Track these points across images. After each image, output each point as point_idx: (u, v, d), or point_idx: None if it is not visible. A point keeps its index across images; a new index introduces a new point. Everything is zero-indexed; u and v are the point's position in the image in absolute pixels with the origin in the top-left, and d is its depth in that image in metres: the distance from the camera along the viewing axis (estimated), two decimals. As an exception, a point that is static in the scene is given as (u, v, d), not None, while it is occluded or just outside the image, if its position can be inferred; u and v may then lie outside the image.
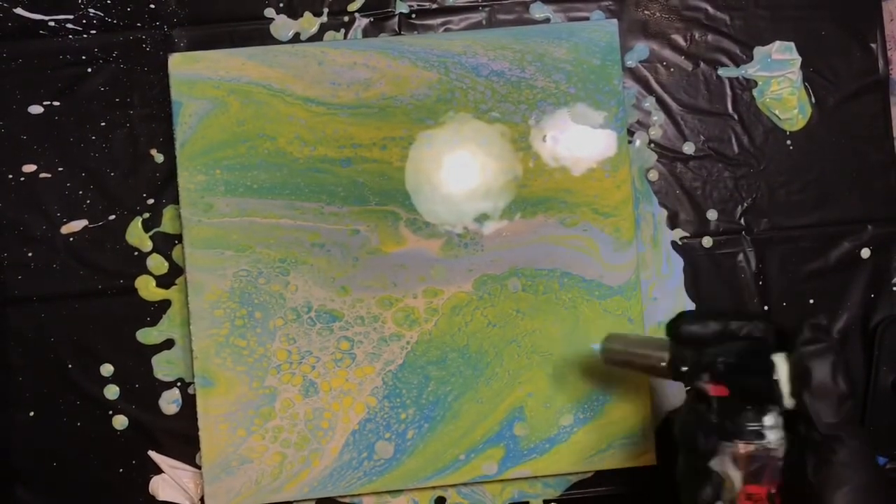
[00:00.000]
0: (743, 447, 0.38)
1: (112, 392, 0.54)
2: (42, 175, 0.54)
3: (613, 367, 0.47)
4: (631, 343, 0.45)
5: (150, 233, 0.54)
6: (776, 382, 0.37)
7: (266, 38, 0.55)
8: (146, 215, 0.54)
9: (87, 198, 0.54)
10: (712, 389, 0.39)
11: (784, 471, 0.38)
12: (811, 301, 0.55)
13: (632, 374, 0.52)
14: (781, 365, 0.38)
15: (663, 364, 0.42)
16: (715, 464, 0.38)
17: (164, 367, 0.54)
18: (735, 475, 0.38)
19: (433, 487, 0.53)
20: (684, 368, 0.41)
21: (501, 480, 0.53)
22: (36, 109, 0.54)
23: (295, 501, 0.53)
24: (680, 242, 0.55)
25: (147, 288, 0.54)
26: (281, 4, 0.55)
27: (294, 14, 0.55)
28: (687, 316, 0.42)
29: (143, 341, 0.54)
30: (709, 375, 0.40)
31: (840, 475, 0.36)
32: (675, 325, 0.42)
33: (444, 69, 0.53)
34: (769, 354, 0.38)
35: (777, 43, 0.56)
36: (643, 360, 0.43)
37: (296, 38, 0.55)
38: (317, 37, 0.55)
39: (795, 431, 0.38)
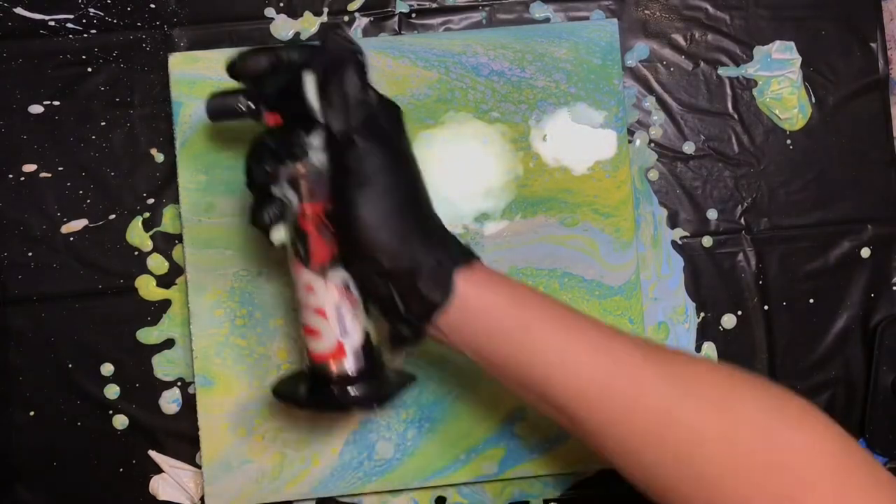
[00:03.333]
0: (294, 168, 0.39)
1: (112, 392, 0.54)
2: (42, 175, 0.54)
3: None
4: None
5: (151, 232, 0.54)
6: (306, 96, 0.38)
7: (266, 38, 0.55)
8: (146, 215, 0.54)
9: (87, 197, 0.54)
10: (268, 119, 0.41)
11: (330, 179, 0.39)
12: (811, 301, 0.55)
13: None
14: (308, 81, 0.38)
15: (240, 106, 0.42)
16: (275, 189, 0.39)
17: (164, 366, 0.54)
18: (292, 196, 0.39)
19: (433, 487, 0.53)
20: (251, 106, 0.42)
21: (502, 480, 0.53)
22: (36, 109, 0.54)
23: (295, 501, 0.53)
24: (680, 242, 0.55)
25: (147, 288, 0.54)
26: (281, 4, 0.55)
27: (294, 14, 0.55)
28: (241, 55, 0.42)
29: (143, 341, 0.54)
30: (265, 106, 0.41)
31: (356, 179, 0.38)
32: (233, 66, 0.42)
33: (444, 69, 0.53)
34: (300, 72, 0.39)
35: (777, 43, 0.56)
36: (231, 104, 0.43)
37: (296, 38, 0.55)
38: (317, 37, 0.55)
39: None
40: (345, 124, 0.38)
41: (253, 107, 0.42)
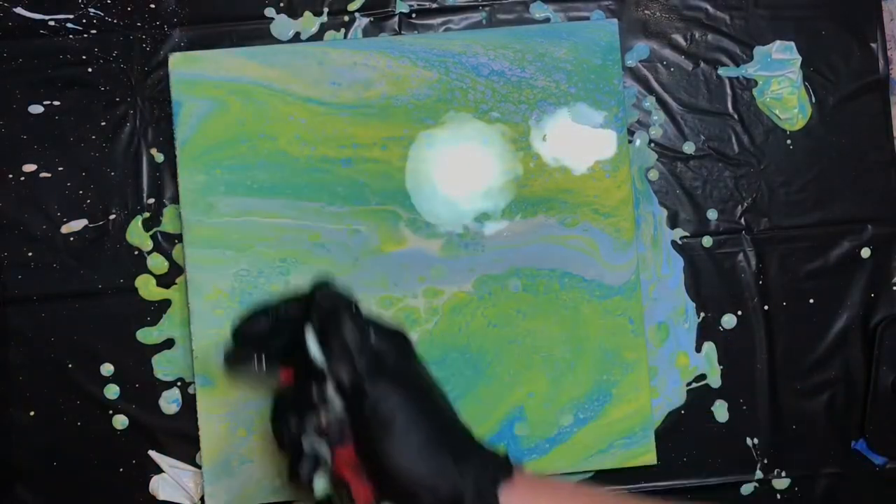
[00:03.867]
0: (317, 420, 0.39)
1: (112, 392, 0.54)
2: (42, 175, 0.54)
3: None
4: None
5: (151, 232, 0.54)
6: (310, 350, 0.38)
7: (266, 38, 0.55)
8: (146, 215, 0.54)
9: (87, 197, 0.54)
10: (283, 377, 0.41)
11: (351, 426, 0.39)
12: (811, 301, 0.55)
13: (633, 372, 0.52)
14: (309, 336, 0.39)
15: (256, 368, 0.43)
16: (305, 443, 0.39)
17: (164, 366, 0.54)
18: (322, 447, 0.39)
19: (433, 487, 0.53)
20: (263, 367, 0.42)
21: (501, 480, 0.53)
22: (36, 109, 0.54)
23: (295, 501, 0.53)
24: (680, 242, 0.55)
25: (147, 287, 0.54)
26: (281, 4, 0.55)
27: (294, 14, 0.55)
28: (242, 320, 0.42)
29: (143, 341, 0.54)
30: (275, 363, 0.41)
31: (376, 424, 0.37)
32: (237, 332, 0.42)
33: (444, 69, 0.53)
34: (302, 328, 0.39)
35: (777, 43, 0.56)
36: (246, 368, 0.43)
37: (296, 38, 0.55)
38: (317, 36, 0.55)
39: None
40: (351, 375, 0.38)
41: (265, 368, 0.42)
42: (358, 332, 0.39)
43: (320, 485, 0.40)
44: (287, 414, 0.39)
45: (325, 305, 0.40)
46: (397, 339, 0.41)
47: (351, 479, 0.39)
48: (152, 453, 0.54)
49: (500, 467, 0.39)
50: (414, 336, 0.51)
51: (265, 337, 0.42)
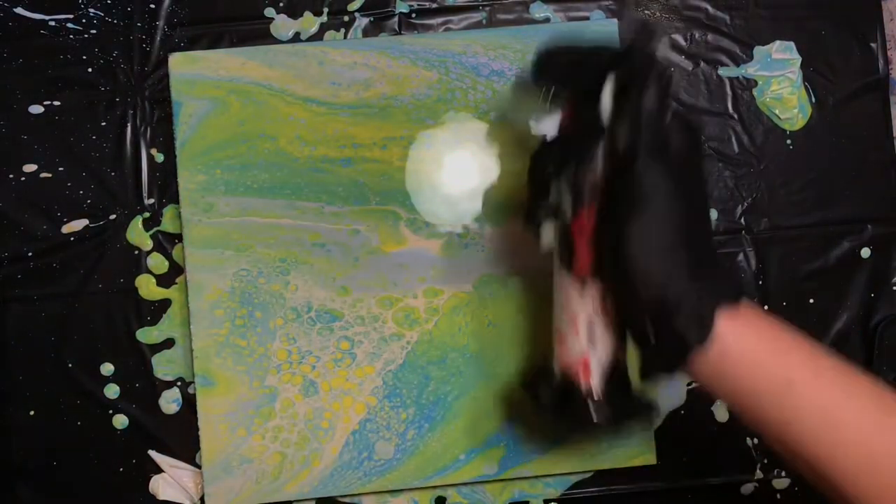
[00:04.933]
0: (576, 173, 0.37)
1: (112, 391, 0.54)
2: (42, 175, 0.54)
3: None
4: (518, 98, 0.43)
5: (151, 232, 0.54)
6: (602, 99, 0.36)
7: (266, 38, 0.55)
8: (146, 215, 0.54)
9: (88, 197, 0.54)
10: (562, 117, 0.39)
11: (604, 192, 0.37)
12: (811, 301, 0.55)
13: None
14: (608, 86, 0.36)
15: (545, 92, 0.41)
16: (553, 188, 0.38)
17: (164, 366, 0.54)
18: (567, 200, 0.38)
19: (433, 487, 0.53)
20: (542, 103, 0.40)
21: (502, 480, 0.53)
22: (36, 109, 0.54)
23: (295, 501, 0.53)
24: (680, 242, 0.55)
25: (147, 287, 0.54)
26: (281, 4, 0.55)
27: (294, 14, 0.55)
28: (548, 49, 0.40)
29: (143, 341, 0.54)
30: (562, 101, 0.39)
31: (631, 201, 0.35)
32: (539, 60, 0.40)
33: (444, 69, 0.53)
34: (605, 75, 0.37)
35: (777, 43, 0.56)
36: (522, 111, 0.42)
37: (296, 38, 0.55)
38: (317, 37, 0.55)
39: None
40: (630, 141, 0.35)
41: (549, 104, 0.40)
42: (657, 105, 0.36)
43: (547, 232, 0.39)
44: (549, 156, 0.38)
45: (638, 65, 0.36)
46: (691, 133, 0.37)
47: (578, 241, 0.37)
48: (152, 453, 0.54)
49: (730, 291, 0.36)
50: (414, 335, 0.51)
51: (564, 72, 0.39)
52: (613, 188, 0.36)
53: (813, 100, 0.56)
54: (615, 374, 0.40)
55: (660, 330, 0.35)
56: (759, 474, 0.54)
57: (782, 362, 0.35)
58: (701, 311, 0.35)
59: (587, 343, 0.39)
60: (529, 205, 0.39)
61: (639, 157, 0.35)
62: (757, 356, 0.35)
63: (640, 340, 0.36)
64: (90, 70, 0.55)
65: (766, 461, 0.54)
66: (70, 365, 0.54)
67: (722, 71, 0.56)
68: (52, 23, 0.55)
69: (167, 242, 0.54)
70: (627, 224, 0.35)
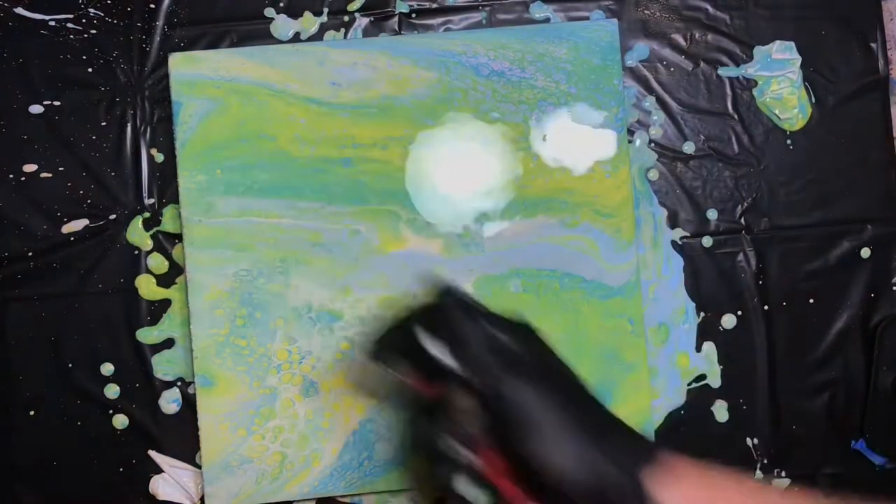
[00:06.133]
0: (454, 425, 0.38)
1: (112, 391, 0.54)
2: (42, 175, 0.54)
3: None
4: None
5: (151, 232, 0.54)
6: (439, 362, 0.38)
7: (266, 38, 0.55)
8: (146, 215, 0.54)
9: (88, 197, 0.54)
10: (415, 384, 0.40)
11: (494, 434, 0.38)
12: (811, 301, 0.55)
13: (633, 372, 0.52)
14: (436, 345, 0.38)
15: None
16: (443, 446, 0.38)
17: (164, 366, 0.54)
18: (463, 452, 0.38)
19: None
20: (389, 379, 0.41)
21: (501, 480, 0.53)
22: (36, 109, 0.54)
23: (295, 501, 0.53)
24: (680, 242, 0.55)
25: (147, 287, 0.54)
26: (281, 4, 0.55)
27: (294, 14, 0.55)
28: (376, 341, 0.42)
29: (143, 341, 0.54)
30: (406, 376, 0.40)
31: (517, 424, 0.36)
32: (373, 353, 0.42)
33: (444, 69, 0.53)
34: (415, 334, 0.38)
35: (777, 43, 0.56)
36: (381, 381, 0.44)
37: (296, 38, 0.55)
38: (317, 36, 0.55)
39: None
40: (481, 378, 0.37)
41: (397, 377, 0.41)
42: (483, 335, 0.38)
43: (461, 485, 0.39)
44: (422, 421, 0.39)
45: (447, 313, 0.39)
46: (523, 332, 0.40)
47: (497, 481, 0.38)
48: (152, 453, 0.54)
49: (642, 449, 0.37)
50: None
51: (398, 350, 0.41)
52: (495, 422, 0.37)
53: (813, 100, 0.56)
54: None
55: None
56: (759, 474, 0.54)
57: (722, 498, 0.36)
58: (624, 479, 0.36)
59: None
60: (431, 471, 0.39)
61: (486, 392, 0.37)
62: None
63: None
64: (90, 70, 0.55)
65: (765, 461, 0.54)
66: (70, 365, 0.54)
67: (722, 71, 0.56)
68: (52, 23, 0.55)
69: (167, 242, 0.54)
70: (523, 443, 0.36)
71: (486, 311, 0.39)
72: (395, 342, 0.41)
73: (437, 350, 0.38)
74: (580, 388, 0.40)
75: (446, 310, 0.39)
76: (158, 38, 0.55)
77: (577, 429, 0.37)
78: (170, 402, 0.54)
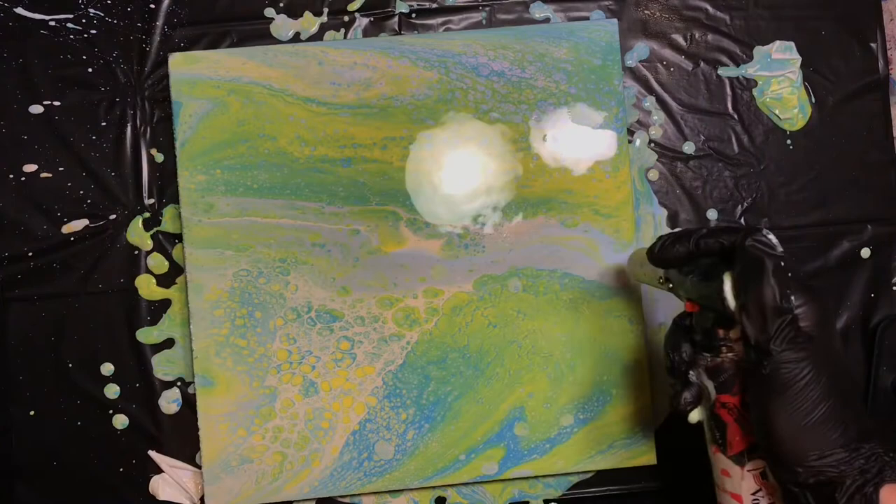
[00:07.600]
0: (711, 359, 0.39)
1: (112, 391, 0.54)
2: (42, 175, 0.54)
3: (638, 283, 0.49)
4: (643, 262, 0.45)
5: (151, 232, 0.54)
6: (725, 299, 0.37)
7: (266, 38, 0.55)
8: (146, 215, 0.54)
9: (88, 197, 0.54)
10: (687, 306, 0.41)
11: (744, 375, 0.38)
12: (811, 301, 0.55)
13: (633, 372, 0.52)
14: (727, 283, 0.37)
15: (662, 281, 0.43)
16: (693, 375, 0.40)
17: (164, 366, 0.54)
18: (709, 385, 0.40)
19: (433, 487, 0.53)
20: (670, 286, 0.42)
21: (502, 480, 0.53)
22: (36, 109, 0.54)
23: (295, 501, 0.53)
24: (680, 242, 0.55)
25: (147, 287, 0.54)
26: (281, 4, 0.55)
27: (294, 14, 0.55)
28: (662, 243, 0.41)
29: (143, 341, 0.54)
30: (684, 293, 0.41)
31: (771, 388, 0.36)
32: (651, 252, 0.42)
33: (444, 69, 0.53)
34: (723, 271, 0.38)
35: (777, 43, 0.56)
36: (650, 277, 0.44)
37: (296, 38, 0.55)
38: (317, 37, 0.55)
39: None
40: (761, 334, 0.36)
41: (669, 287, 0.42)
42: (778, 295, 0.36)
43: (696, 415, 0.40)
44: (683, 342, 0.40)
45: (751, 259, 0.37)
46: (816, 305, 0.37)
47: (729, 422, 0.39)
48: (152, 453, 0.54)
49: (891, 462, 0.36)
50: (414, 335, 0.51)
51: (680, 262, 0.41)
52: (753, 377, 0.37)
53: (813, 100, 0.56)
54: None
55: None
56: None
57: None
58: (864, 487, 0.35)
59: None
60: (673, 392, 0.40)
61: (773, 349, 0.36)
62: None
63: None
64: (90, 70, 0.55)
65: (766, 461, 0.54)
66: (70, 365, 0.54)
67: (722, 71, 0.56)
68: (52, 23, 0.55)
69: (167, 242, 0.54)
70: (771, 411, 0.36)
71: (786, 267, 0.37)
72: (678, 255, 0.40)
73: (727, 289, 0.37)
74: (846, 379, 0.38)
75: (749, 252, 0.37)
76: (158, 38, 0.55)
77: (834, 421, 0.36)
78: (170, 402, 0.54)
